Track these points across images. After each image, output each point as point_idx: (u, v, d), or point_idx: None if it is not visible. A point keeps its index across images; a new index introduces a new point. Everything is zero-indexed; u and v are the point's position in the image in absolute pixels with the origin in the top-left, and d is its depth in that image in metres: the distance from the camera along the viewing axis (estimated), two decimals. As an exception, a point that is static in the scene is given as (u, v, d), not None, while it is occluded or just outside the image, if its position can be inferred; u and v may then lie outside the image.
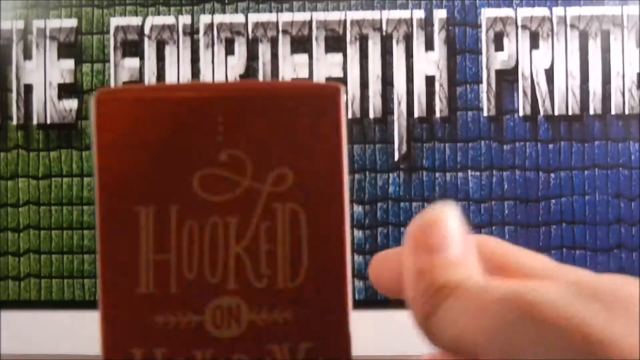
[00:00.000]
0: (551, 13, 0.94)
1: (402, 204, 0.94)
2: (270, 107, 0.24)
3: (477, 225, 0.93)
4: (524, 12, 0.95)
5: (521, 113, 0.94)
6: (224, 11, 0.96)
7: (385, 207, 0.94)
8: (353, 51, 0.95)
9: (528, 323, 0.20)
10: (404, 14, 0.95)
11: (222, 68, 0.96)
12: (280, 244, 0.24)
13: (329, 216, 0.24)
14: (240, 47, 0.96)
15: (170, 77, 0.96)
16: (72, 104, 0.97)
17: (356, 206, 0.94)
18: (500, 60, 0.94)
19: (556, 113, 0.94)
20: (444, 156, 0.94)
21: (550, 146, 0.94)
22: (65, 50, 0.98)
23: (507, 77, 0.94)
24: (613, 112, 0.93)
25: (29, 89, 0.98)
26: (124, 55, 0.97)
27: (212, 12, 0.96)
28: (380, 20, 0.95)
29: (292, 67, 0.96)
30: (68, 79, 0.97)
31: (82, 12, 0.98)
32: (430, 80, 0.95)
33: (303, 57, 0.96)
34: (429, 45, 0.95)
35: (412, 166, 0.94)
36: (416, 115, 0.94)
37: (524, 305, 0.21)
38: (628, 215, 0.93)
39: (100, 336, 0.24)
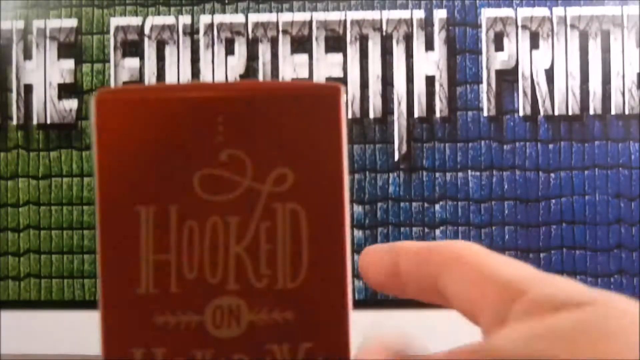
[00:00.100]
0: (551, 13, 0.94)
1: (402, 204, 0.94)
2: (270, 107, 0.24)
3: (477, 225, 0.93)
4: (524, 12, 0.95)
5: (521, 113, 0.94)
6: (224, 11, 0.96)
7: (385, 207, 0.94)
8: (353, 51, 0.95)
9: None
10: (404, 14, 0.95)
11: (222, 68, 0.96)
12: (280, 244, 0.24)
13: (329, 216, 0.24)
14: (240, 47, 0.96)
15: (170, 77, 0.96)
16: (72, 104, 0.97)
17: (356, 206, 0.94)
18: (500, 60, 0.95)
19: (556, 113, 0.94)
20: (444, 156, 0.94)
21: (550, 146, 0.94)
22: (65, 50, 0.98)
23: (507, 77, 0.94)
24: (613, 112, 0.93)
25: (29, 89, 0.98)
26: (124, 55, 0.97)
27: (212, 12, 0.96)
28: (380, 20, 0.95)
29: (292, 67, 0.96)
30: (68, 79, 0.97)
31: (82, 12, 0.98)
32: (430, 80, 0.95)
33: (303, 57, 0.96)
34: (429, 45, 0.95)
35: (412, 166, 0.94)
36: (416, 115, 0.94)
37: (487, 357, 0.21)
38: (628, 215, 0.93)
39: (100, 336, 0.24)
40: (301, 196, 0.24)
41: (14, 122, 0.97)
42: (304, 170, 0.24)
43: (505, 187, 0.94)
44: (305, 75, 0.95)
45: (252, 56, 0.96)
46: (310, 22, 0.96)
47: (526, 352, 0.20)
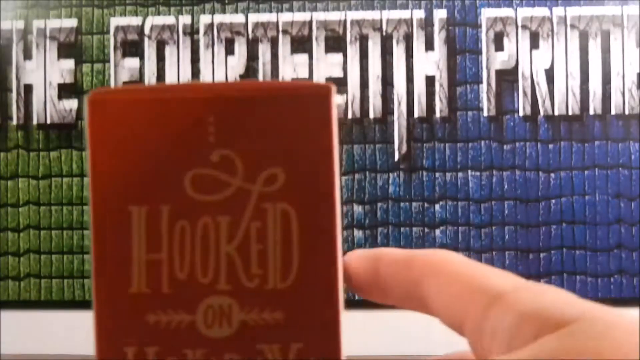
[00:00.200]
0: (551, 13, 0.94)
1: (402, 204, 0.94)
2: (261, 107, 0.24)
3: (477, 225, 0.93)
4: (524, 12, 0.95)
5: (521, 113, 0.94)
6: (224, 11, 0.96)
7: (385, 207, 0.94)
8: (353, 51, 0.95)
9: None
10: (404, 14, 0.95)
11: (222, 68, 0.96)
12: (271, 244, 0.24)
13: (320, 216, 0.24)
14: (240, 47, 0.96)
15: (170, 77, 0.96)
16: (72, 104, 0.97)
17: (356, 206, 0.94)
18: (500, 60, 0.94)
19: (556, 113, 0.94)
20: (444, 156, 0.94)
21: (550, 146, 0.94)
22: (65, 50, 0.98)
23: (507, 77, 0.94)
24: (613, 112, 0.93)
25: (29, 89, 0.98)
26: (124, 55, 0.97)
27: (212, 12, 0.96)
28: (380, 20, 0.95)
29: (292, 67, 0.96)
30: (68, 79, 0.97)
31: (82, 12, 0.98)
32: (430, 80, 0.95)
33: (303, 57, 0.96)
34: (429, 45, 0.95)
35: (412, 166, 0.94)
36: (416, 115, 0.94)
37: None
38: (628, 215, 0.93)
39: (93, 335, 0.24)
40: (292, 196, 0.24)
41: (14, 122, 0.97)
42: (295, 170, 0.24)
43: (505, 187, 0.94)
44: (305, 75, 0.95)
45: (252, 56, 0.96)
46: (310, 22, 0.96)
47: None
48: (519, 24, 0.95)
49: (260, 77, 0.95)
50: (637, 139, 0.93)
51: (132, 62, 0.97)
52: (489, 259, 0.93)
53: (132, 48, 0.97)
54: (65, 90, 0.97)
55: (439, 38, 0.95)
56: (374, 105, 0.95)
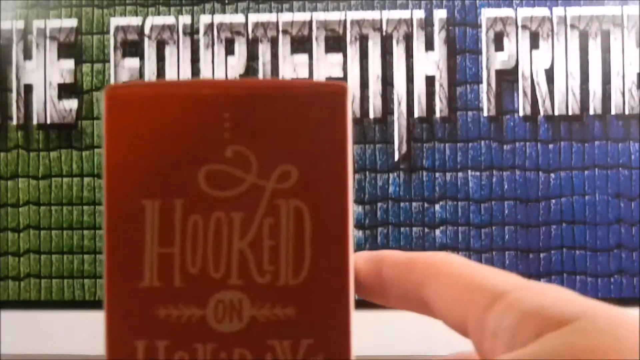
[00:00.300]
0: (551, 13, 0.94)
1: (402, 204, 0.94)
2: (276, 105, 0.24)
3: (477, 225, 0.93)
4: (524, 12, 0.95)
5: (521, 113, 0.94)
6: (224, 11, 0.96)
7: (385, 207, 0.94)
8: (353, 51, 0.95)
9: None
10: (404, 14, 0.95)
11: (222, 68, 0.96)
12: (283, 240, 0.24)
13: (332, 213, 0.24)
14: (240, 47, 0.96)
15: (171, 77, 0.96)
16: (72, 104, 0.97)
17: (356, 206, 0.94)
18: (500, 60, 0.95)
19: (556, 113, 0.94)
20: (444, 156, 0.94)
21: (550, 146, 0.94)
22: (65, 50, 0.98)
23: (507, 77, 0.94)
24: (613, 112, 0.93)
25: (29, 89, 0.98)
26: (124, 55, 0.97)
27: (212, 12, 0.96)
28: (380, 20, 0.95)
29: (292, 67, 0.96)
30: (68, 79, 0.97)
31: (82, 12, 0.98)
32: (430, 80, 0.95)
33: (303, 57, 0.96)
34: (429, 45, 0.95)
35: (412, 166, 0.94)
36: (416, 115, 0.94)
37: None
38: (628, 215, 0.93)
39: (104, 328, 0.24)
40: (305, 193, 0.24)
41: (14, 122, 0.97)
42: (309, 167, 0.24)
43: (505, 187, 0.94)
44: (306, 75, 0.95)
45: (252, 56, 0.96)
46: (310, 22, 0.96)
47: None
48: (519, 24, 0.95)
49: (261, 77, 0.95)
50: (637, 139, 0.93)
51: (132, 62, 0.97)
52: (489, 259, 0.93)
53: (132, 48, 0.97)
54: (65, 90, 0.97)
55: (439, 38, 0.95)
56: (374, 105, 0.95)
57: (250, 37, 0.96)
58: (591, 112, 0.93)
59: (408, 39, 0.95)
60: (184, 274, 0.24)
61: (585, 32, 0.94)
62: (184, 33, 0.97)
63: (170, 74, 0.96)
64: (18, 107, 0.97)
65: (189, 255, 0.24)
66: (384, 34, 0.95)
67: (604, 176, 0.93)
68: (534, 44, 0.94)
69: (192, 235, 0.24)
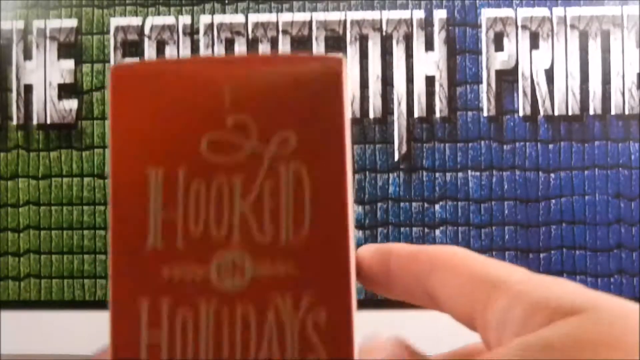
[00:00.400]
0: (551, 13, 0.94)
1: (402, 204, 0.94)
2: (275, 77, 0.25)
3: (477, 225, 0.93)
4: (524, 12, 0.95)
5: (521, 113, 0.94)
6: (224, 11, 0.96)
7: (385, 207, 0.94)
8: (353, 51, 0.95)
9: None
10: (404, 14, 0.95)
11: (222, 68, 0.96)
12: (283, 201, 0.25)
13: (331, 176, 0.25)
14: (240, 47, 0.96)
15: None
16: (72, 104, 0.97)
17: (356, 206, 0.94)
18: (500, 60, 0.95)
19: (556, 113, 0.94)
20: (444, 156, 0.94)
21: (550, 146, 0.94)
22: (65, 50, 0.98)
23: (507, 77, 0.94)
24: (613, 112, 0.93)
25: (29, 89, 0.98)
26: (124, 55, 0.97)
27: (212, 12, 0.96)
28: (380, 20, 0.95)
29: (292, 67, 0.96)
30: (68, 79, 0.97)
31: (82, 12, 0.98)
32: (430, 80, 0.95)
33: (303, 57, 0.95)
34: (429, 45, 0.95)
35: (412, 166, 0.94)
36: (416, 115, 0.94)
37: None
38: (628, 215, 0.93)
39: (109, 289, 0.25)
40: (304, 158, 0.25)
41: (14, 122, 0.97)
42: (307, 133, 0.25)
43: (505, 187, 0.94)
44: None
45: (252, 56, 0.96)
46: (310, 22, 0.96)
47: None
48: (519, 24, 0.95)
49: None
50: (637, 139, 0.93)
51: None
52: (489, 259, 0.93)
53: (132, 48, 0.97)
54: (65, 90, 0.97)
55: (439, 38, 0.95)
56: (374, 105, 0.95)
57: (250, 37, 0.96)
58: (591, 112, 0.94)
59: (408, 39, 0.95)
60: (187, 235, 0.25)
61: (585, 32, 0.94)
62: (184, 33, 0.97)
63: (170, 74, 0.96)
64: (18, 107, 0.97)
65: (191, 218, 0.25)
66: (384, 34, 0.95)
67: (604, 176, 0.93)
68: (534, 44, 0.94)
69: (195, 199, 0.25)
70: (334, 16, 0.95)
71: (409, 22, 0.95)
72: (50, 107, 0.97)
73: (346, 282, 0.24)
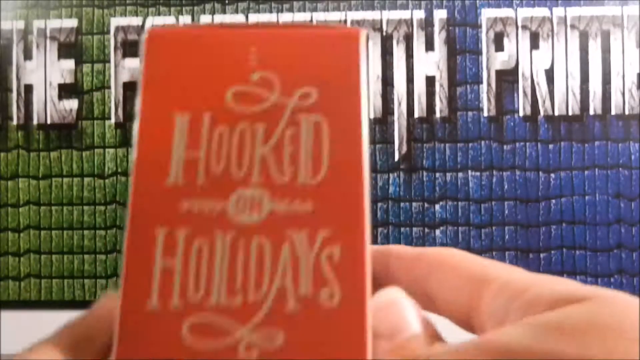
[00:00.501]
0: (551, 13, 0.94)
1: (402, 204, 0.94)
2: (299, 40, 0.27)
3: (477, 225, 0.93)
4: (524, 12, 0.95)
5: (521, 113, 0.94)
6: (224, 11, 0.96)
7: (385, 207, 0.94)
8: (353, 51, 0.95)
9: None
10: (404, 14, 0.95)
11: (222, 68, 0.96)
12: (302, 147, 0.26)
13: (349, 127, 0.26)
14: (241, 47, 0.96)
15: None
16: (72, 104, 0.97)
17: (356, 206, 0.94)
18: (500, 60, 0.95)
19: (556, 113, 0.94)
20: (444, 156, 0.94)
21: (550, 146, 0.94)
22: (66, 50, 0.98)
23: (507, 77, 0.94)
24: (613, 112, 0.93)
25: (29, 89, 0.98)
26: (124, 55, 0.97)
27: (212, 12, 0.96)
28: (380, 20, 0.95)
29: (292, 67, 0.96)
30: (68, 79, 0.97)
31: (83, 12, 0.98)
32: (430, 81, 0.95)
33: (303, 57, 0.96)
34: (429, 46, 0.95)
35: (412, 166, 0.94)
36: (416, 115, 0.94)
37: (494, 355, 0.21)
38: (628, 215, 0.93)
39: (127, 221, 0.26)
40: (324, 111, 0.27)
41: (14, 122, 0.97)
42: (328, 91, 0.27)
43: (505, 187, 0.94)
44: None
45: (252, 56, 0.96)
46: (311, 22, 0.96)
47: (536, 346, 0.21)
48: (519, 24, 0.95)
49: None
50: (637, 139, 0.93)
51: (132, 62, 0.97)
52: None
53: (132, 48, 0.97)
54: (65, 90, 0.97)
55: (439, 38, 0.95)
56: (374, 105, 0.95)
57: (250, 37, 0.96)
58: (591, 112, 0.94)
59: (408, 39, 0.95)
60: (208, 173, 0.26)
61: (585, 32, 0.94)
62: (184, 33, 0.97)
63: (170, 74, 0.96)
64: (18, 107, 0.97)
65: (213, 158, 0.26)
66: (384, 34, 0.95)
67: (604, 176, 0.93)
68: (534, 44, 0.94)
69: (218, 141, 0.26)
70: (334, 16, 0.95)
71: (409, 22, 0.95)
72: (51, 107, 0.97)
73: (361, 221, 0.25)
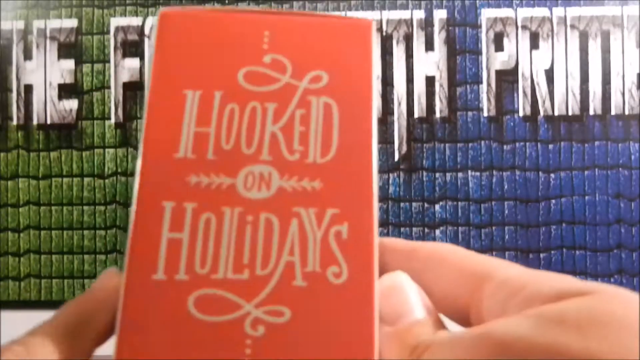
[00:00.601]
0: (551, 13, 0.94)
1: (402, 204, 0.94)
2: (311, 26, 0.28)
3: (477, 225, 0.93)
4: (524, 12, 0.95)
5: (521, 113, 0.94)
6: (224, 11, 0.96)
7: (385, 207, 0.94)
8: (353, 51, 0.95)
9: None
10: (404, 14, 0.95)
11: (222, 68, 0.96)
12: (313, 127, 0.26)
13: (358, 110, 0.27)
14: (240, 47, 0.96)
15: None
16: (72, 104, 0.97)
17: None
18: (500, 60, 0.95)
19: (556, 113, 0.94)
20: (444, 156, 0.94)
21: (550, 146, 0.94)
22: (66, 50, 0.98)
23: (507, 78, 0.94)
24: (613, 112, 0.93)
25: (29, 89, 0.98)
26: (124, 55, 0.97)
27: (212, 12, 0.96)
28: (380, 20, 0.95)
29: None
30: (68, 79, 0.97)
31: (82, 12, 0.98)
32: (430, 81, 0.95)
33: (303, 57, 0.96)
34: (429, 46, 0.95)
35: (412, 166, 0.94)
36: (416, 115, 0.94)
37: (495, 345, 0.21)
38: (628, 215, 0.93)
39: (134, 194, 0.25)
40: (334, 93, 0.27)
41: (14, 122, 0.97)
42: (338, 75, 0.27)
43: (505, 187, 0.94)
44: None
45: (252, 56, 0.96)
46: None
47: (538, 337, 0.21)
48: (519, 24, 0.95)
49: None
50: (637, 139, 0.93)
51: (132, 62, 0.97)
52: (489, 259, 0.92)
53: (132, 48, 0.97)
54: (65, 91, 0.97)
55: (439, 38, 0.95)
56: (374, 105, 0.95)
57: (250, 37, 0.96)
58: (591, 112, 0.94)
59: (408, 39, 0.95)
60: (218, 149, 0.26)
61: (585, 32, 0.94)
62: (184, 33, 0.97)
63: (170, 74, 0.96)
64: (18, 107, 0.97)
65: (223, 134, 0.26)
66: (384, 34, 0.95)
67: (604, 176, 0.93)
68: (534, 44, 0.94)
69: (228, 118, 0.26)
70: (334, 16, 0.95)
71: (409, 22, 0.95)
72: (51, 107, 0.97)
73: (368, 200, 0.25)
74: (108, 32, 0.97)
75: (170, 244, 0.25)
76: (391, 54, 0.95)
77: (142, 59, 0.97)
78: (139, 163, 0.26)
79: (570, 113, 0.94)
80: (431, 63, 0.95)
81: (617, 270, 0.93)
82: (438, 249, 0.27)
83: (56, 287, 0.96)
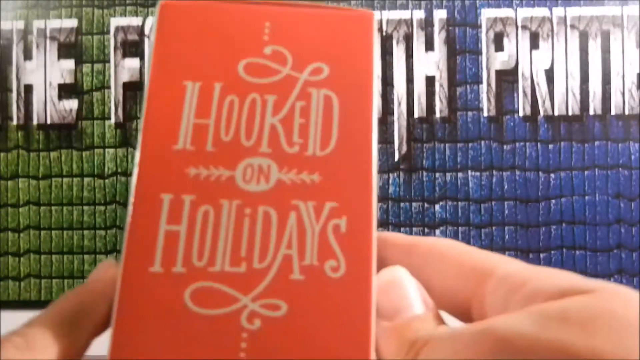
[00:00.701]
0: (551, 13, 0.94)
1: (402, 204, 0.94)
2: (313, 18, 0.27)
3: (477, 225, 0.93)
4: (524, 12, 0.95)
5: (521, 113, 0.94)
6: (224, 11, 0.96)
7: (385, 207, 0.94)
8: (353, 51, 0.95)
9: (504, 357, 0.20)
10: (404, 14, 0.95)
11: (222, 68, 0.96)
12: (313, 119, 0.26)
13: (359, 102, 0.26)
14: (240, 47, 0.96)
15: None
16: (72, 104, 0.97)
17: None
18: (500, 60, 0.95)
19: (556, 113, 0.94)
20: (444, 156, 0.94)
21: (550, 146, 0.94)
22: (66, 50, 0.98)
23: (507, 78, 0.94)
24: (613, 112, 0.93)
25: (29, 89, 0.98)
26: (124, 55, 0.97)
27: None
28: (380, 20, 0.95)
29: (292, 67, 0.96)
30: (68, 79, 0.97)
31: (82, 12, 0.98)
32: (430, 81, 0.95)
33: (303, 57, 0.95)
34: (429, 46, 0.95)
35: (412, 166, 0.94)
36: (416, 115, 0.94)
37: (496, 341, 0.21)
38: (628, 215, 0.93)
39: (133, 186, 0.25)
40: (335, 85, 0.27)
41: (14, 122, 0.97)
42: (339, 67, 0.27)
43: (505, 187, 0.94)
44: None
45: (252, 56, 0.96)
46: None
47: (540, 333, 0.20)
48: (519, 24, 0.95)
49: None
50: (637, 139, 0.93)
51: (132, 62, 0.97)
52: (489, 259, 0.92)
53: (132, 48, 0.97)
54: (65, 91, 0.97)
55: (439, 38, 0.95)
56: (374, 105, 0.95)
57: (250, 37, 0.96)
58: (591, 112, 0.94)
59: (408, 39, 0.95)
60: (217, 140, 0.26)
61: (585, 32, 0.94)
62: (184, 33, 0.97)
63: (170, 74, 0.96)
64: (18, 107, 0.97)
65: (222, 126, 0.26)
66: (384, 34, 0.95)
67: (604, 176, 0.93)
68: (534, 44, 0.94)
69: (228, 110, 0.26)
70: (334, 16, 0.95)
71: (409, 22, 0.95)
72: (51, 107, 0.97)
73: (367, 194, 0.25)
74: (108, 32, 0.97)
75: (168, 236, 0.25)
76: (391, 54, 0.95)
77: (142, 59, 0.97)
78: (137, 154, 0.25)
79: (570, 113, 0.94)
80: (431, 63, 0.95)
81: (617, 270, 0.92)
82: (438, 244, 0.27)
83: (56, 287, 0.96)
